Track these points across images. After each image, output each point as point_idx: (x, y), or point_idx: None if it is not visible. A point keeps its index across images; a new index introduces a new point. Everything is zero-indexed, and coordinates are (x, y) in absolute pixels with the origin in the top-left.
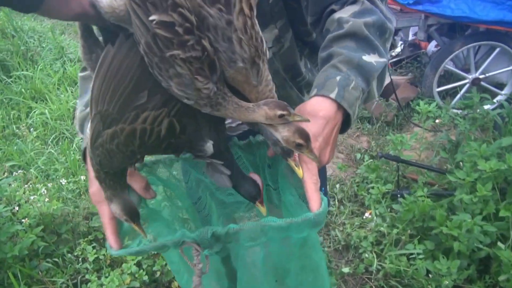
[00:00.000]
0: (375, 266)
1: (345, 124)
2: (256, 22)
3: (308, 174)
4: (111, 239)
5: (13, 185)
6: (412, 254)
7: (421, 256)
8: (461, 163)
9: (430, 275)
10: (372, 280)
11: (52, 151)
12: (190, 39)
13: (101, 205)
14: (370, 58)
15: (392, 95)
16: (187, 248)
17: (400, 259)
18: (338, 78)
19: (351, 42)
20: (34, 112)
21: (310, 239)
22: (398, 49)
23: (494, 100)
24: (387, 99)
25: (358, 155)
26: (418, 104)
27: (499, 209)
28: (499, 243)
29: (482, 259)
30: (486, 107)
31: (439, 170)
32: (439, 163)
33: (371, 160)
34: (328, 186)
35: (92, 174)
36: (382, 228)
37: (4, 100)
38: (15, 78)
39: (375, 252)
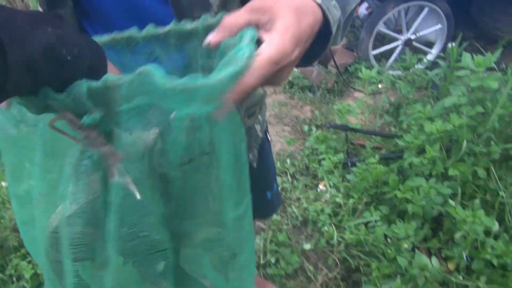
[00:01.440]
0: (335, 239)
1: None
2: None
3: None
4: None
5: None
6: (369, 222)
7: (379, 223)
8: (405, 125)
9: (388, 240)
10: (334, 253)
11: None
12: None
13: None
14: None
15: (331, 62)
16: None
17: (359, 228)
18: None
19: None
20: None
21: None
22: None
23: (424, 60)
24: (326, 66)
25: (306, 127)
26: (356, 69)
27: (447, 168)
28: (449, 201)
29: (435, 217)
30: (417, 66)
31: (387, 135)
32: (381, 126)
33: (319, 131)
34: (278, 162)
35: None
36: (337, 199)
37: None
38: None
39: (333, 224)
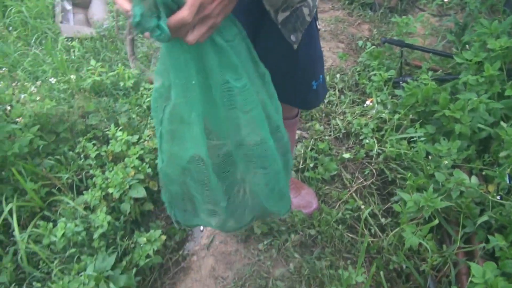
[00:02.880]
0: (375, 150)
1: None
2: None
3: None
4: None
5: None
6: (412, 138)
7: (422, 139)
8: (467, 46)
9: (429, 157)
10: (372, 164)
11: (37, 51)
12: None
13: None
14: None
15: None
16: None
17: (400, 143)
18: None
19: None
20: (10, 10)
21: None
22: None
23: None
24: None
25: (360, 43)
26: None
27: (504, 89)
28: (501, 123)
29: (482, 140)
30: None
31: (445, 54)
32: (444, 48)
33: (373, 47)
34: (328, 76)
35: None
36: (383, 115)
37: None
38: None
39: (375, 138)
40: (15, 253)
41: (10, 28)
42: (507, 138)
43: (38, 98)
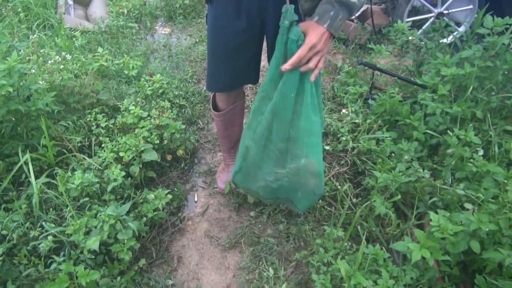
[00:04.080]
0: (350, 145)
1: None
2: None
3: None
4: None
5: (22, 51)
6: (380, 141)
7: (388, 138)
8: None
9: (392, 154)
10: (347, 156)
11: (41, 35)
12: None
13: None
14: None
15: (368, 20)
16: None
17: (370, 142)
18: (331, 13)
19: None
20: None
21: None
22: None
23: (451, 36)
24: (363, 23)
25: (339, 64)
26: (389, 31)
27: (452, 107)
28: (448, 131)
29: (434, 146)
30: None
31: (408, 79)
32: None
33: (350, 68)
34: None
35: None
36: (357, 120)
37: None
38: None
39: (350, 137)
40: (27, 198)
41: (19, 10)
42: (452, 140)
43: (61, 66)
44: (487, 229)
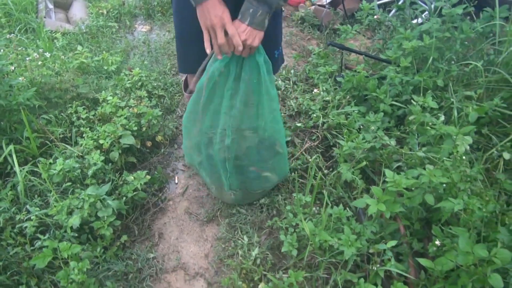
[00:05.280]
0: (321, 120)
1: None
2: None
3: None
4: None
5: (2, 51)
6: (349, 115)
7: (355, 114)
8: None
9: (361, 127)
10: (318, 132)
11: (22, 38)
12: None
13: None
14: None
15: (340, 5)
16: None
17: (340, 116)
18: (251, 10)
19: None
20: None
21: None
22: None
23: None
24: (335, 9)
25: (310, 47)
26: (361, 15)
27: (414, 77)
28: (412, 101)
29: (401, 116)
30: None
31: (374, 56)
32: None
33: (321, 50)
34: (284, 71)
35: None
36: (327, 98)
37: None
38: None
39: (321, 114)
40: (13, 187)
41: (0, 15)
42: (415, 109)
43: (39, 63)
44: (442, 184)
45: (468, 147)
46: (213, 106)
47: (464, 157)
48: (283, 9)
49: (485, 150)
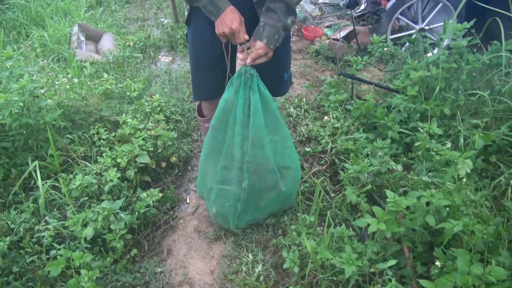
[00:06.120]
0: (329, 146)
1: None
2: None
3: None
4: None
5: (34, 76)
6: (357, 140)
7: (363, 140)
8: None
9: (368, 153)
10: (327, 156)
11: (55, 66)
12: None
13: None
14: (290, 19)
15: (354, 39)
16: None
17: (348, 142)
18: (276, 36)
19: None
20: (33, 34)
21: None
22: (362, 7)
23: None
24: (349, 42)
25: (322, 77)
26: (374, 49)
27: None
28: (419, 129)
29: (408, 144)
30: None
31: (384, 86)
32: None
33: (332, 79)
34: (296, 100)
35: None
36: (337, 125)
37: (3, 21)
38: (9, 6)
39: (330, 140)
40: (35, 201)
41: (36, 45)
42: (421, 135)
43: (67, 87)
44: (445, 208)
45: (469, 170)
46: (226, 147)
47: (464, 180)
48: (291, 34)
49: (493, 178)
